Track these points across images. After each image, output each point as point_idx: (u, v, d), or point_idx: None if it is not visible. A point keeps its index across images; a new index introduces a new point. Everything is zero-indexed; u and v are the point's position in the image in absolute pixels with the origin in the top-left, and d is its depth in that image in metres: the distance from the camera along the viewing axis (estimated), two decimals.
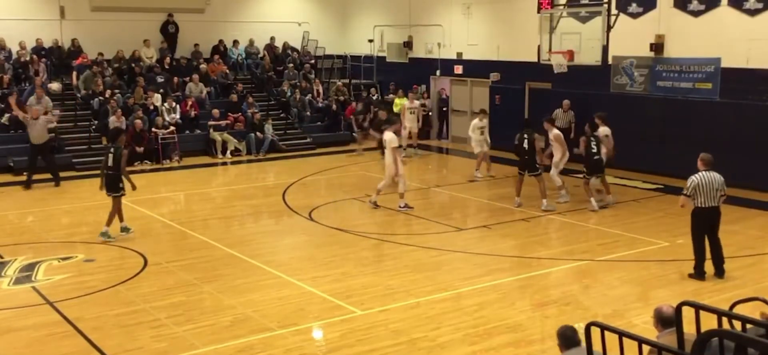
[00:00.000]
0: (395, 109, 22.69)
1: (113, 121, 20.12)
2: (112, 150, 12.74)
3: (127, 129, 20.04)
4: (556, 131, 15.27)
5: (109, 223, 12.62)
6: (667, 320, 5.86)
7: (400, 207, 14.44)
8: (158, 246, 12.35)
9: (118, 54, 23.28)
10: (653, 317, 6.24)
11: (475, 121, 18.38)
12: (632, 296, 9.93)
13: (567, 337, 5.67)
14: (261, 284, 10.38)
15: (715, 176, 9.94)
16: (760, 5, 16.11)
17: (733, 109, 16.57)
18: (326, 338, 8.58)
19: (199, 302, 9.71)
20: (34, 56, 21.83)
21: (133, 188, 12.94)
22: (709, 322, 5.04)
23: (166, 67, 23.43)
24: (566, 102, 18.96)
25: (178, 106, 21.59)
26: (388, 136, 14.44)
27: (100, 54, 23.04)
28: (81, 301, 9.70)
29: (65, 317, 9.10)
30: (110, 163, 12.65)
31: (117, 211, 12.70)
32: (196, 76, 22.79)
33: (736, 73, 16.53)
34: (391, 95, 24.80)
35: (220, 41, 25.16)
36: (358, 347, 8.24)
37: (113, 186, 12.64)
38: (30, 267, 11.12)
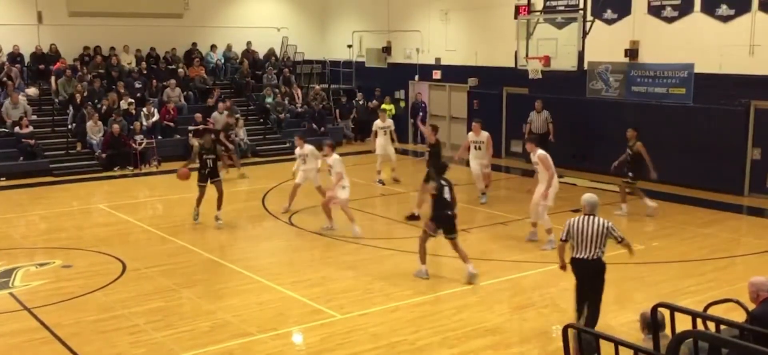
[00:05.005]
0: (387, 114, 22.96)
1: (90, 126, 20.05)
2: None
3: (105, 133, 19.99)
4: (540, 152, 12.38)
5: (219, 207, 13.75)
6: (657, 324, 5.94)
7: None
8: (137, 251, 12.30)
9: (95, 59, 23.15)
10: (640, 322, 6.34)
11: (378, 121, 18.24)
12: (609, 299, 10.00)
13: (649, 321, 5.89)
14: (240, 289, 10.38)
15: (594, 225, 8.09)
16: (732, 12, 16.38)
17: (706, 113, 16.83)
18: (306, 342, 8.61)
19: (178, 308, 9.70)
20: (7, 63, 21.66)
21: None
22: (684, 323, 5.16)
23: (144, 72, 23.33)
24: (538, 102, 19.14)
25: (156, 111, 21.51)
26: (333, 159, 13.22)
27: (77, 59, 22.92)
28: (59, 307, 9.64)
29: (43, 324, 9.05)
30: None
31: (221, 194, 13.77)
32: (173, 82, 22.71)
33: (709, 79, 16.79)
34: (375, 102, 24.91)
35: (194, 44, 25.10)
36: (338, 351, 8.27)
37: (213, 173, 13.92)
38: (7, 273, 11.03)
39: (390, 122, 18.45)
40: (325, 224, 13.45)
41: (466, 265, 10.61)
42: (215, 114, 21.24)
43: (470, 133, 15.70)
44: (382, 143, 17.82)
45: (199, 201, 13.96)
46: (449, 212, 10.56)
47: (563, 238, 8.36)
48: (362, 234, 12.99)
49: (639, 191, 14.83)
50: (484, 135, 15.40)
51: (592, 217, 8.16)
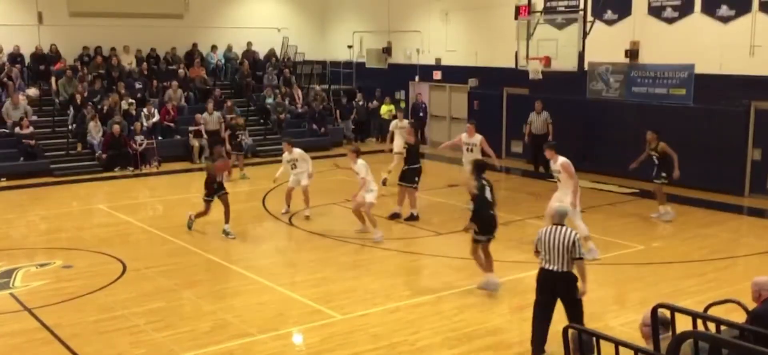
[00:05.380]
0: (383, 115, 22.97)
1: (91, 126, 20.08)
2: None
3: (105, 134, 20.00)
4: (562, 159, 11.81)
5: (227, 220, 13.17)
6: (663, 324, 5.94)
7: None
8: (137, 252, 12.30)
9: (96, 60, 23.16)
10: (643, 327, 6.33)
11: (395, 121, 17.93)
12: (609, 299, 10.05)
13: (661, 321, 5.82)
14: (241, 290, 10.39)
15: (560, 235, 7.77)
16: (732, 12, 16.38)
17: (707, 114, 16.83)
18: (306, 342, 8.61)
19: (179, 308, 9.70)
20: (7, 63, 21.67)
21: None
22: (684, 324, 5.16)
23: (145, 72, 23.35)
24: (538, 103, 19.15)
25: (156, 111, 21.52)
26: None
27: (77, 60, 22.94)
28: (59, 307, 9.64)
29: (43, 324, 9.05)
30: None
31: (228, 207, 13.22)
32: (175, 83, 22.72)
33: (710, 79, 16.79)
34: (375, 102, 24.92)
35: (194, 45, 25.12)
36: (338, 351, 8.27)
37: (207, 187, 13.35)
38: (7, 274, 11.03)
39: (406, 123, 17.81)
40: (359, 227, 13.25)
41: (491, 273, 10.21)
42: (205, 115, 21.22)
43: (464, 134, 15.55)
44: (400, 144, 17.23)
45: (200, 215, 13.41)
46: (492, 212, 10.15)
47: (535, 248, 8.06)
48: (383, 239, 12.81)
49: (662, 194, 14.45)
50: (478, 137, 15.10)
51: (560, 227, 7.85)
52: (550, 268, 7.81)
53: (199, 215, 13.45)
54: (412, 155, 14.51)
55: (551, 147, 12.16)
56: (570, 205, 11.12)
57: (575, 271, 7.83)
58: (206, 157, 13.64)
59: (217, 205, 13.31)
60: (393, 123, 18.34)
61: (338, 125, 24.86)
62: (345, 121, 25.23)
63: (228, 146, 19.02)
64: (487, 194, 10.06)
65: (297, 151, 14.67)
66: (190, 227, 13.53)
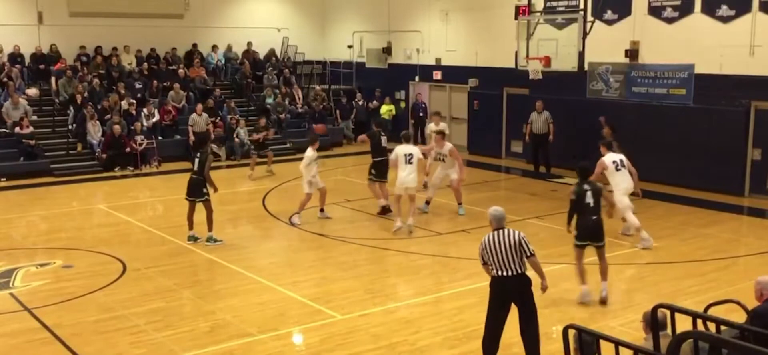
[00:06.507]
0: (383, 115, 22.91)
1: (91, 126, 20.08)
2: (198, 155, 12.74)
3: (104, 134, 20.01)
4: (449, 146, 12.83)
5: (210, 228, 12.61)
6: (659, 323, 5.94)
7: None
8: (137, 252, 12.30)
9: (96, 60, 23.16)
10: (642, 321, 6.34)
11: (431, 125, 16.91)
12: (609, 299, 10.04)
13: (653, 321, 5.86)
14: (241, 290, 10.38)
15: (506, 238, 7.53)
16: (732, 12, 16.38)
17: (707, 114, 16.82)
18: (306, 342, 8.61)
19: (179, 308, 9.70)
20: (8, 63, 21.67)
21: (215, 190, 12.78)
22: (684, 324, 5.16)
23: (145, 72, 23.35)
24: (539, 103, 19.14)
25: (156, 111, 21.52)
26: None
27: (77, 60, 22.93)
28: (59, 307, 9.64)
29: (43, 324, 9.06)
30: (195, 167, 12.66)
31: (210, 213, 12.60)
32: (177, 85, 22.72)
33: (710, 79, 16.78)
34: (375, 102, 24.90)
35: (194, 46, 25.12)
36: (338, 351, 8.28)
37: (196, 191, 12.60)
38: (7, 274, 11.03)
39: (444, 125, 17.33)
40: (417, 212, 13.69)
41: (603, 282, 9.79)
42: (194, 115, 21.21)
43: (435, 145, 14.83)
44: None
45: (209, 219, 12.70)
46: (594, 218, 9.71)
47: (482, 262, 7.71)
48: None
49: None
50: (448, 147, 14.63)
51: (502, 230, 7.59)
52: (503, 274, 7.48)
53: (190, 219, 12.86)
54: (379, 150, 14.42)
55: (606, 144, 12.65)
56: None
57: (529, 272, 7.59)
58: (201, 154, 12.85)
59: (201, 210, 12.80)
60: (429, 127, 17.92)
61: (338, 125, 24.86)
62: (345, 121, 25.22)
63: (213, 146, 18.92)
64: (588, 200, 9.70)
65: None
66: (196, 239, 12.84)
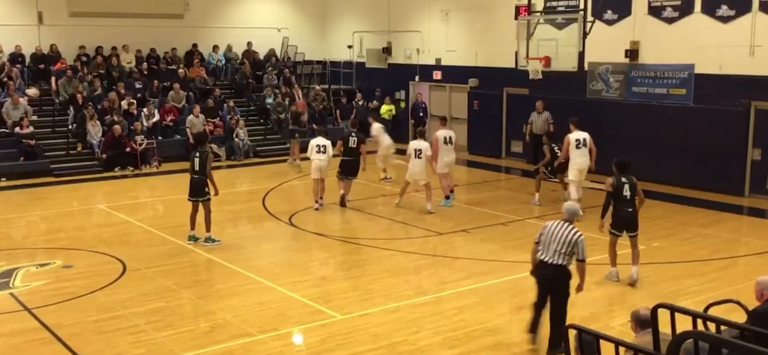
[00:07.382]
0: (383, 115, 22.87)
1: (91, 126, 20.08)
2: (198, 154, 12.61)
3: (104, 134, 20.00)
4: (575, 135, 14.59)
5: (208, 228, 12.56)
6: (644, 322, 5.99)
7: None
8: (137, 252, 12.30)
9: (96, 60, 23.16)
10: (631, 320, 6.36)
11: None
12: (609, 299, 10.06)
13: (641, 318, 6.03)
14: (241, 290, 10.38)
15: (565, 231, 7.99)
16: (732, 12, 16.38)
17: (707, 114, 16.83)
18: (306, 342, 8.61)
19: (179, 308, 9.70)
20: (8, 63, 21.67)
21: (216, 193, 12.73)
22: (684, 323, 5.15)
23: (145, 72, 23.35)
24: (539, 103, 19.09)
25: (156, 111, 21.52)
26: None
27: (77, 60, 22.93)
28: (59, 307, 9.64)
29: (43, 324, 9.06)
30: (196, 167, 12.53)
31: (209, 213, 12.54)
32: (177, 85, 22.72)
33: (710, 79, 16.79)
34: (376, 102, 24.88)
35: (194, 46, 25.12)
36: (338, 351, 8.28)
37: (199, 191, 12.53)
38: (7, 274, 11.03)
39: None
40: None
41: (634, 266, 10.50)
42: (191, 117, 21.20)
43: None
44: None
45: (207, 220, 12.67)
46: (630, 210, 10.39)
47: (535, 240, 8.28)
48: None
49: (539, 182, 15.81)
50: (424, 144, 14.95)
51: (567, 224, 8.11)
52: (545, 259, 8.01)
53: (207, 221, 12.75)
54: (347, 149, 15.42)
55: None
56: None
57: (573, 269, 8.00)
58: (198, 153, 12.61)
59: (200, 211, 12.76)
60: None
61: (338, 125, 24.83)
62: (345, 121, 25.18)
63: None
64: (626, 192, 10.33)
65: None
66: (196, 240, 12.81)
